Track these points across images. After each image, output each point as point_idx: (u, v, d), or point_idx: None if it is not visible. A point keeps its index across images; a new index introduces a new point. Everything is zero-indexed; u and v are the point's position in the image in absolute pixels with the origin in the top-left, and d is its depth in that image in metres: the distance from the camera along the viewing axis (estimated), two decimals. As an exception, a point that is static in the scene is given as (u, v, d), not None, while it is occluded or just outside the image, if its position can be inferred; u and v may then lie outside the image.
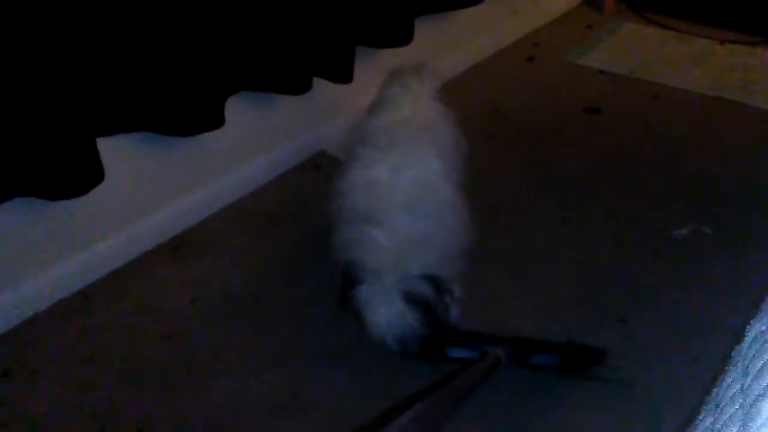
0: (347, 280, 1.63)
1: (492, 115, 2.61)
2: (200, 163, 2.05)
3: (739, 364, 0.83)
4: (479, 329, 1.69)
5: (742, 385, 0.78)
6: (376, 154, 1.69)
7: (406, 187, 1.64)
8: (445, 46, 2.73)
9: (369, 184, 1.66)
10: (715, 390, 0.86)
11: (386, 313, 1.57)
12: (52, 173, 1.61)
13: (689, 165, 2.34)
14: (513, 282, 1.88)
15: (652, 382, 1.60)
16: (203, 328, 1.76)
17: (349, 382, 1.62)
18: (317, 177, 2.27)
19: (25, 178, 1.59)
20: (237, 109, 2.02)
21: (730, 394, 0.80)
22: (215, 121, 1.91)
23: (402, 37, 2.33)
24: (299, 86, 2.07)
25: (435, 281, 1.61)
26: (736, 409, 0.77)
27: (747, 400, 0.75)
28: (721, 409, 0.80)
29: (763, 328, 0.83)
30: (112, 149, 1.76)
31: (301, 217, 2.11)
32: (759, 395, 0.74)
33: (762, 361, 0.78)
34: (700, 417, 0.86)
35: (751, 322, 0.88)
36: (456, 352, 1.62)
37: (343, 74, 2.18)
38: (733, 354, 0.87)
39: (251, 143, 2.18)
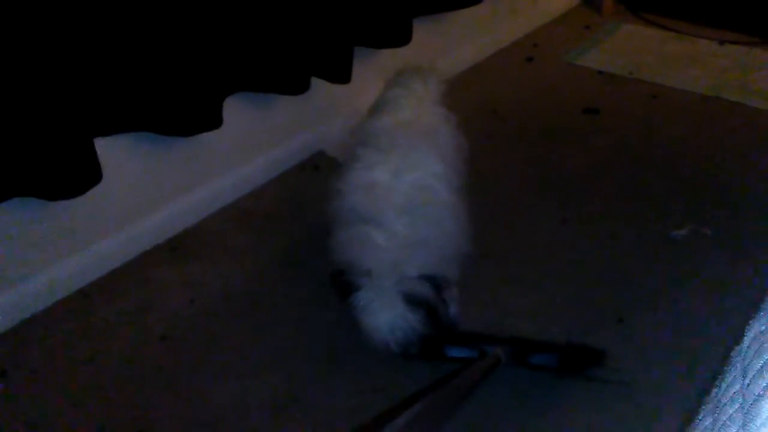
0: (343, 287, 1.62)
1: (491, 116, 2.61)
2: (199, 163, 2.05)
3: (738, 365, 0.83)
4: (479, 329, 1.70)
5: (742, 385, 0.78)
6: (376, 155, 1.68)
7: (406, 190, 1.63)
8: (443, 46, 2.74)
9: (369, 186, 1.65)
10: (714, 390, 0.86)
11: (388, 317, 1.56)
12: (50, 173, 1.62)
13: (688, 165, 2.34)
14: (512, 282, 1.88)
15: (652, 382, 1.61)
16: (202, 328, 1.76)
17: (349, 382, 1.62)
18: (316, 177, 2.27)
19: (24, 178, 1.59)
20: (235, 110, 2.02)
21: (730, 394, 0.80)
22: (214, 121, 1.91)
23: (401, 37, 2.33)
24: (297, 86, 2.07)
25: (434, 281, 1.61)
26: (736, 409, 0.77)
27: (746, 401, 0.75)
28: (721, 410, 0.80)
29: (763, 328, 0.83)
30: (110, 149, 1.77)
31: (300, 217, 2.11)
32: (758, 395, 0.74)
33: (761, 362, 0.77)
34: (700, 417, 0.86)
35: (751, 322, 0.88)
36: (455, 352, 1.63)
37: (341, 74, 2.18)
38: (732, 354, 0.87)
39: (250, 143, 2.18)
